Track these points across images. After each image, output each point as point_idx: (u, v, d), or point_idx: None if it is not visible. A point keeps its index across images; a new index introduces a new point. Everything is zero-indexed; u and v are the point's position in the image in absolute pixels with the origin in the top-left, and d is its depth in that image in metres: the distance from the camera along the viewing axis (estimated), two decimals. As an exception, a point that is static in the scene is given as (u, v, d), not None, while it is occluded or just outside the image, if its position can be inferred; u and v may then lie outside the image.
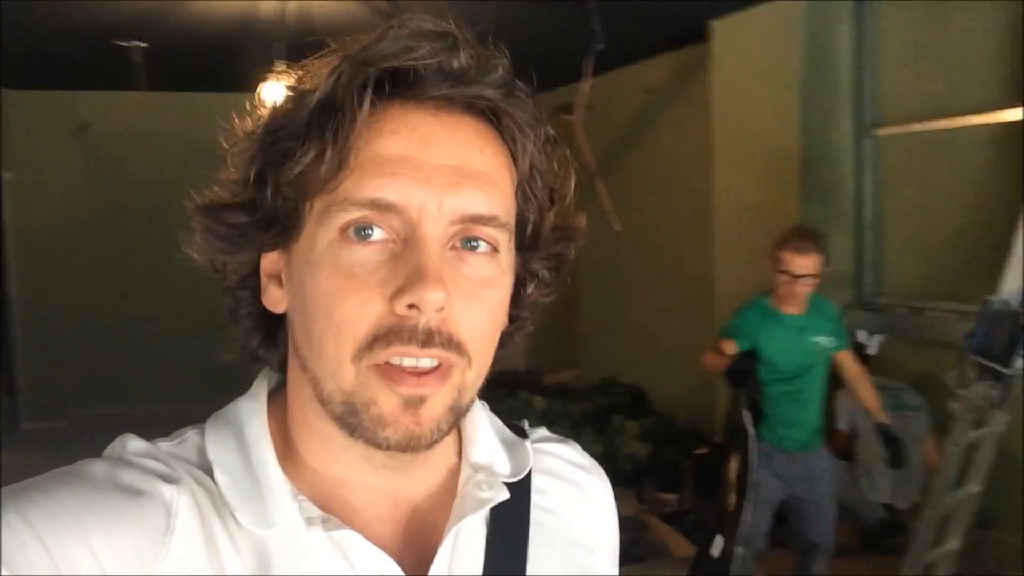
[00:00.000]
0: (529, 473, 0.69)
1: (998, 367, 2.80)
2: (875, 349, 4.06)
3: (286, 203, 0.59)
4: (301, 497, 0.61)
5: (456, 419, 0.61)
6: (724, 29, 4.73)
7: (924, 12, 4.03)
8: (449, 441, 0.66)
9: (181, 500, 0.57)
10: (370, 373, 0.57)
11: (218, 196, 0.63)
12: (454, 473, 0.68)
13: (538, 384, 6.47)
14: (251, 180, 0.60)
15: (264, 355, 0.67)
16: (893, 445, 3.16)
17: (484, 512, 0.65)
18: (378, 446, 0.58)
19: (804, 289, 2.97)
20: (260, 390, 0.66)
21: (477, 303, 0.59)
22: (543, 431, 0.76)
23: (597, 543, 0.74)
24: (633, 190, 5.89)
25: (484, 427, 0.70)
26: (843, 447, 3.88)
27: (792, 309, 3.04)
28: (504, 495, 0.66)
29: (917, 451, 3.75)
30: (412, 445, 0.58)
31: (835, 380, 3.97)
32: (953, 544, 3.18)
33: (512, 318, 0.66)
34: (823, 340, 3.09)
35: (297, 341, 0.62)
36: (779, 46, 4.42)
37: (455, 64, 0.58)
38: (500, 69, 0.60)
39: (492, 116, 0.61)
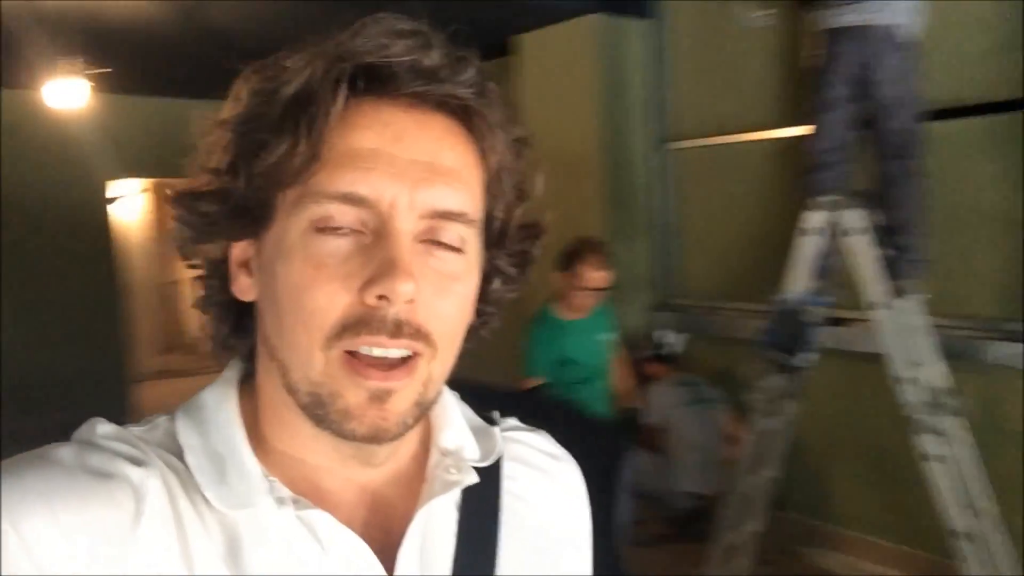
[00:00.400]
0: (500, 460, 0.70)
1: (789, 360, 3.06)
2: (681, 348, 4.33)
3: (258, 193, 0.59)
4: (272, 478, 0.61)
5: (422, 412, 0.61)
6: (531, 43, 4.89)
7: (712, 35, 4.36)
8: (417, 428, 0.66)
9: (150, 482, 0.57)
10: (338, 363, 0.57)
11: (191, 185, 0.62)
12: (422, 459, 0.68)
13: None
14: (224, 170, 0.60)
15: (233, 344, 0.67)
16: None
17: (455, 498, 0.67)
18: (344, 438, 0.59)
19: (598, 298, 3.23)
20: (230, 378, 0.66)
21: (445, 296, 0.60)
22: (514, 420, 0.77)
23: (568, 530, 0.75)
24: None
25: (454, 413, 0.71)
26: (653, 440, 4.11)
27: (581, 315, 3.28)
28: (473, 478, 0.67)
29: (718, 441, 4.05)
30: (379, 438, 0.59)
31: (644, 377, 4.21)
32: (753, 525, 3.43)
33: (478, 313, 0.67)
34: (607, 336, 3.40)
35: (266, 329, 0.62)
36: (580, 62, 4.62)
37: (427, 62, 0.59)
38: (472, 69, 0.61)
39: (463, 114, 0.62)
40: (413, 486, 0.66)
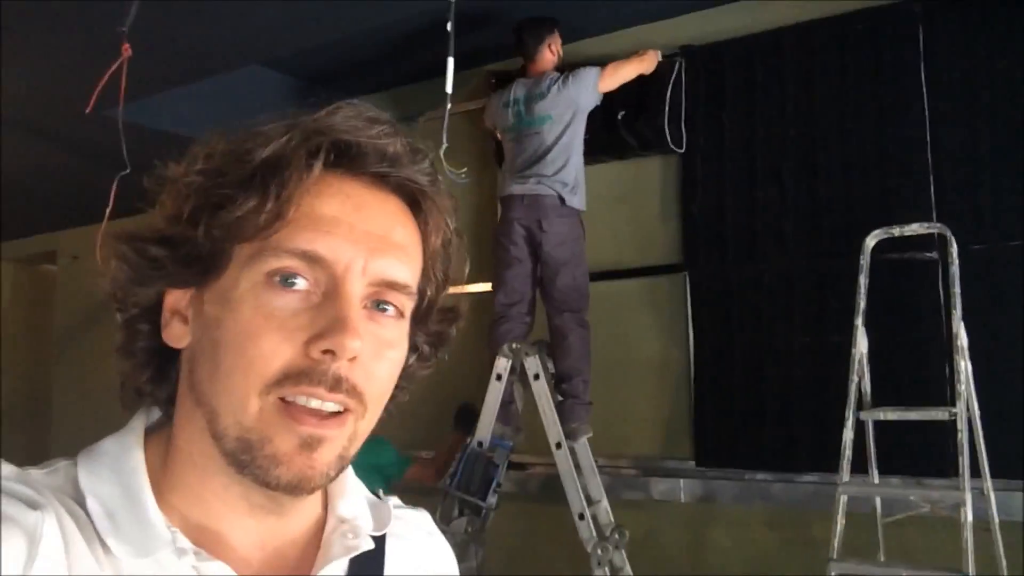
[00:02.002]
0: (384, 535, 0.74)
1: (477, 501, 3.19)
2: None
3: (213, 244, 0.62)
4: (174, 529, 0.62)
5: (341, 468, 0.64)
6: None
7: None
8: (318, 494, 0.69)
9: (46, 526, 0.57)
10: (273, 409, 0.60)
11: (142, 228, 0.64)
12: (319, 524, 0.71)
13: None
14: (183, 218, 0.63)
15: (151, 390, 0.68)
16: None
17: (344, 566, 0.69)
18: (267, 485, 0.61)
19: None
20: (137, 426, 0.67)
21: (381, 360, 0.64)
22: (396, 499, 0.80)
23: None
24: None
25: (352, 484, 0.74)
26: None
27: None
28: (369, 545, 0.70)
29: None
30: (301, 487, 0.61)
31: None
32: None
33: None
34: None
35: (196, 375, 0.64)
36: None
37: (392, 149, 0.65)
38: (427, 160, 0.68)
39: (415, 198, 0.68)
40: (310, 550, 0.69)
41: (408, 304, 0.67)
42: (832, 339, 3.35)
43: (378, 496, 0.79)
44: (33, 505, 0.58)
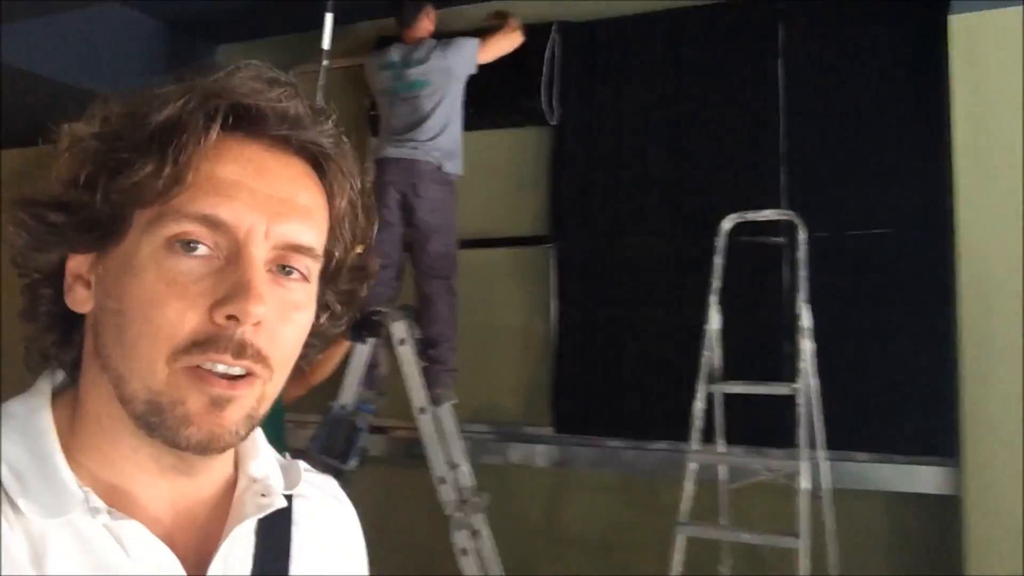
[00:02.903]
0: (291, 496, 0.74)
1: (338, 464, 3.19)
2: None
3: (113, 209, 0.62)
4: (86, 488, 0.62)
5: (251, 428, 0.64)
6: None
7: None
8: (227, 455, 0.70)
9: None
10: (181, 374, 0.60)
11: (39, 193, 0.63)
12: (231, 484, 0.72)
13: None
14: (81, 183, 0.62)
15: (56, 354, 0.68)
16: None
17: (252, 524, 0.70)
18: (177, 445, 0.61)
19: None
20: (44, 388, 0.67)
21: (286, 324, 0.64)
22: (304, 463, 0.80)
23: (346, 565, 0.80)
24: None
25: (263, 445, 0.75)
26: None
27: None
28: (282, 503, 0.71)
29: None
30: (211, 446, 0.62)
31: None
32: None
33: (304, 343, 0.69)
34: None
35: (102, 340, 0.63)
36: None
37: (293, 110, 0.65)
38: (330, 121, 0.67)
39: (318, 160, 0.67)
40: (221, 509, 0.69)
41: (314, 266, 0.67)
42: (687, 315, 3.51)
43: (284, 458, 0.80)
44: None
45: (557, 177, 3.82)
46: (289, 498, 0.74)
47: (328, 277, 0.72)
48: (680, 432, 3.49)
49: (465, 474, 3.48)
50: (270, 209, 0.63)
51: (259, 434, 0.75)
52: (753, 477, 3.06)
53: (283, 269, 0.65)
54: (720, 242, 3.04)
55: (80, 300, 0.65)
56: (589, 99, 3.76)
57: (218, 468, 0.71)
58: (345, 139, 0.69)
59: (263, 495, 0.71)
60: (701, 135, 3.58)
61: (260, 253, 0.62)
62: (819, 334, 3.00)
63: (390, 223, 3.45)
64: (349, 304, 0.76)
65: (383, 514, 4.04)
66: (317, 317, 0.71)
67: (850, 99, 3.37)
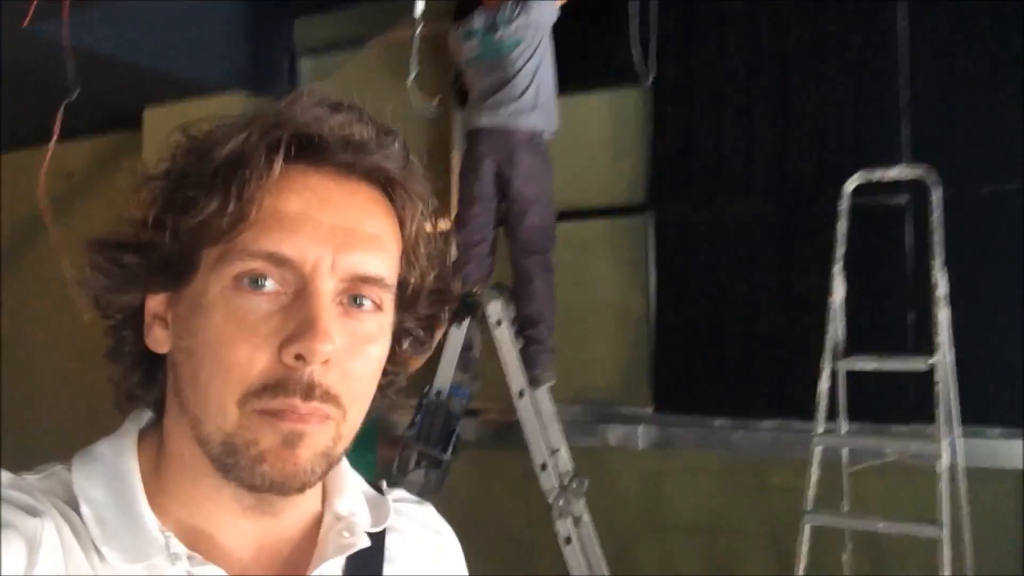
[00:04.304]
0: (384, 530, 0.73)
1: (438, 455, 3.06)
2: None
3: (182, 248, 0.61)
4: (168, 533, 0.62)
5: (328, 467, 0.63)
6: (156, 118, 4.54)
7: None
8: (314, 492, 0.69)
9: (45, 534, 0.56)
10: (253, 416, 0.59)
11: (112, 235, 0.64)
12: (317, 523, 0.70)
13: None
14: (150, 223, 0.62)
15: (141, 395, 0.68)
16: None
17: (340, 564, 0.68)
18: (253, 486, 0.61)
19: None
20: (131, 429, 0.67)
21: (359, 358, 0.63)
22: (401, 491, 0.79)
23: None
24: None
25: (350, 480, 0.73)
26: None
27: None
28: (365, 542, 0.69)
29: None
30: (288, 485, 0.61)
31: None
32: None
33: (385, 373, 0.68)
34: None
35: (180, 382, 0.63)
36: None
37: (358, 135, 0.63)
38: (396, 143, 0.65)
39: (386, 185, 0.65)
40: (306, 548, 0.68)
41: (386, 296, 0.65)
42: (797, 285, 3.29)
43: (380, 491, 0.77)
44: (32, 512, 0.57)
45: (655, 140, 3.59)
46: (382, 534, 0.73)
47: (406, 304, 0.70)
48: (789, 410, 3.30)
49: (564, 458, 3.32)
50: (335, 241, 0.61)
51: (346, 469, 0.74)
52: (879, 458, 2.83)
53: (354, 300, 0.63)
54: (844, 205, 2.79)
55: (158, 340, 0.65)
56: (688, 56, 3.51)
57: (304, 506, 0.70)
58: (414, 160, 0.67)
59: (346, 533, 0.69)
60: (811, 89, 3.31)
61: (327, 287, 0.61)
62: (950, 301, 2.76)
63: (484, 196, 3.28)
64: (433, 329, 0.74)
65: (473, 500, 3.91)
66: (399, 345, 0.71)
67: (979, 40, 3.05)
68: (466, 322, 3.25)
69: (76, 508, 0.61)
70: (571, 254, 3.61)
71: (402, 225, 0.67)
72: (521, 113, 3.24)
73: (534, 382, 3.23)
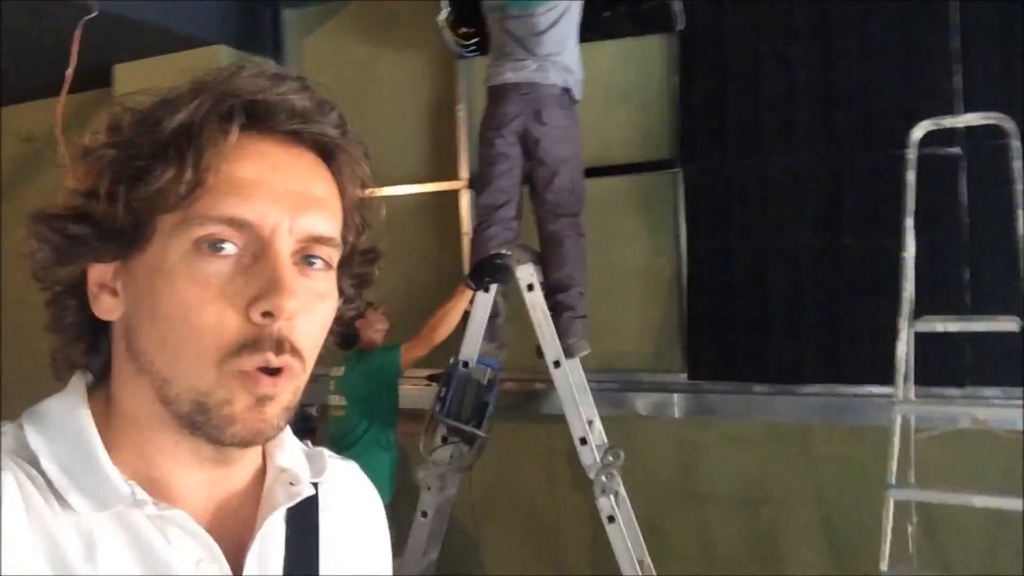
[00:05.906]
0: (316, 484, 0.76)
1: (472, 431, 2.82)
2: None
3: (135, 217, 0.63)
4: (131, 482, 0.63)
5: (288, 418, 0.66)
6: (127, 75, 4.18)
7: (355, 84, 4.06)
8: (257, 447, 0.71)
9: (6, 486, 0.59)
10: (231, 376, 0.62)
11: (58, 207, 0.65)
12: (261, 475, 0.73)
13: None
14: (101, 194, 0.63)
15: (85, 362, 0.70)
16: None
17: (282, 513, 0.71)
18: (221, 442, 0.63)
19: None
20: (80, 387, 0.69)
21: (314, 314, 0.66)
22: (327, 451, 0.81)
23: (371, 546, 0.82)
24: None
25: (288, 436, 0.75)
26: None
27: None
28: (310, 491, 0.73)
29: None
30: (254, 440, 0.64)
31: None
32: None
33: (330, 330, 0.70)
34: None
35: (139, 345, 0.64)
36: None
37: (301, 104, 0.66)
38: (335, 112, 0.69)
39: (327, 151, 0.69)
40: (252, 500, 0.71)
41: (335, 255, 0.68)
42: (845, 241, 3.11)
43: (308, 447, 0.80)
44: None
45: (685, 91, 3.35)
46: (315, 486, 0.75)
47: (342, 263, 0.71)
48: (838, 374, 3.13)
49: (597, 431, 3.10)
50: (291, 204, 0.64)
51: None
52: (949, 424, 2.66)
53: (306, 260, 0.65)
54: (911, 154, 2.58)
55: (108, 308, 0.66)
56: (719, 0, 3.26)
57: (252, 458, 0.72)
58: (350, 128, 0.69)
59: (292, 484, 0.72)
60: (855, 33, 3.09)
61: (286, 248, 0.63)
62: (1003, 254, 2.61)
63: (508, 156, 3.03)
64: (362, 287, 0.77)
65: (495, 474, 3.69)
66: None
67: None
68: (494, 288, 3.00)
69: (34, 463, 0.62)
70: (597, 213, 3.36)
71: (342, 188, 0.69)
72: (552, 68, 2.98)
73: (568, 352, 3.00)
